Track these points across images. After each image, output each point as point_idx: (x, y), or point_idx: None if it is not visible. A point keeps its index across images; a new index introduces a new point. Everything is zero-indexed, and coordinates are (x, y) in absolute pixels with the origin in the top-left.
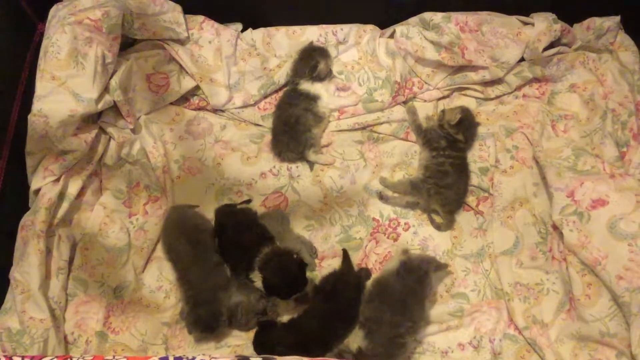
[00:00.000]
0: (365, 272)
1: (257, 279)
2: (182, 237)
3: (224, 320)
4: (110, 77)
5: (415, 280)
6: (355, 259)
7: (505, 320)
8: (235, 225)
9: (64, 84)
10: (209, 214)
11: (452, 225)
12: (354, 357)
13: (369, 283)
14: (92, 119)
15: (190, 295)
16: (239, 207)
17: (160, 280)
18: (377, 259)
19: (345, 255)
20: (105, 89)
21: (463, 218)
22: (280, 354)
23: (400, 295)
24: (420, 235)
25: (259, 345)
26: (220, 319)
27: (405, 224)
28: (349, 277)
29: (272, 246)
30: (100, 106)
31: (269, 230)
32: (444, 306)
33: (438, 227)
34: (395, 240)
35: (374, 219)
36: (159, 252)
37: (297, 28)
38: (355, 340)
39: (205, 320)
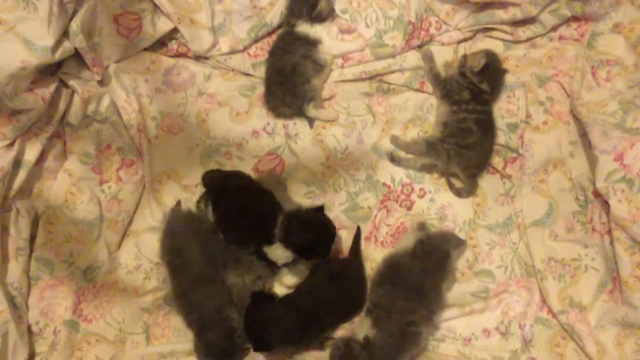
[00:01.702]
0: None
1: (271, 251)
2: (196, 242)
3: (239, 338)
4: (70, 20)
5: (434, 262)
6: (364, 230)
7: (537, 302)
8: (238, 191)
9: (13, 29)
10: (193, 179)
11: (475, 191)
12: (361, 346)
13: (380, 262)
14: (50, 71)
15: (193, 318)
16: (229, 171)
17: (138, 258)
18: (388, 230)
19: (357, 235)
20: (64, 34)
21: (488, 182)
22: (274, 336)
23: (416, 279)
24: (438, 202)
25: (251, 324)
26: (235, 339)
27: (420, 189)
28: (351, 266)
29: (284, 212)
30: (58, 55)
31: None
32: (465, 286)
33: (458, 193)
34: (408, 208)
35: (384, 184)
36: (137, 225)
37: None
38: (362, 329)
39: (218, 346)
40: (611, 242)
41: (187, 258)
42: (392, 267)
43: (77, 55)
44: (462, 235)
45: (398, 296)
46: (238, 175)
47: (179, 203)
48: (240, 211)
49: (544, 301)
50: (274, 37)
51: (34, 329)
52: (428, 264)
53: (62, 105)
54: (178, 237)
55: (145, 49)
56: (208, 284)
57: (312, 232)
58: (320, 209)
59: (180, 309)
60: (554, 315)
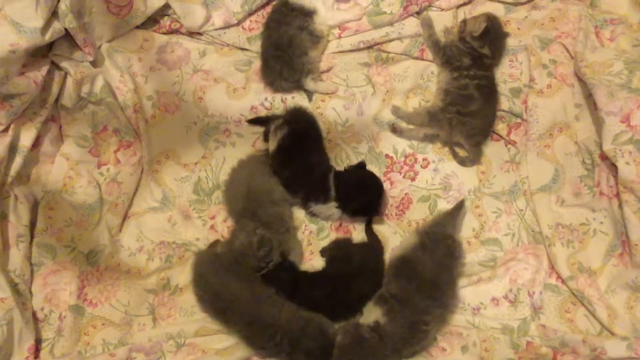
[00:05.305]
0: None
1: (322, 209)
2: (233, 277)
3: (331, 330)
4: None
5: (444, 252)
6: None
7: (545, 269)
8: (296, 144)
9: (0, 11)
10: (193, 158)
11: (479, 159)
12: (371, 329)
13: (395, 258)
14: (41, 53)
15: (279, 341)
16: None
17: (140, 240)
18: (392, 202)
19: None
20: (54, 15)
21: (492, 150)
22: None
23: (432, 274)
24: (442, 172)
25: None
26: (329, 338)
27: (423, 160)
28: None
29: (334, 172)
30: (48, 37)
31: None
32: (473, 255)
33: (462, 162)
34: (412, 179)
35: (386, 155)
36: (137, 207)
37: None
38: (371, 316)
39: (319, 348)
40: (620, 205)
41: (230, 297)
42: (407, 263)
43: (67, 36)
44: (467, 205)
45: (413, 292)
46: (300, 119)
47: (208, 250)
48: (297, 166)
49: (552, 267)
50: (268, 9)
51: (39, 315)
52: (439, 254)
53: (55, 88)
54: (211, 281)
55: (137, 27)
56: (266, 304)
57: (367, 193)
58: (362, 165)
59: (262, 342)
60: (563, 281)
